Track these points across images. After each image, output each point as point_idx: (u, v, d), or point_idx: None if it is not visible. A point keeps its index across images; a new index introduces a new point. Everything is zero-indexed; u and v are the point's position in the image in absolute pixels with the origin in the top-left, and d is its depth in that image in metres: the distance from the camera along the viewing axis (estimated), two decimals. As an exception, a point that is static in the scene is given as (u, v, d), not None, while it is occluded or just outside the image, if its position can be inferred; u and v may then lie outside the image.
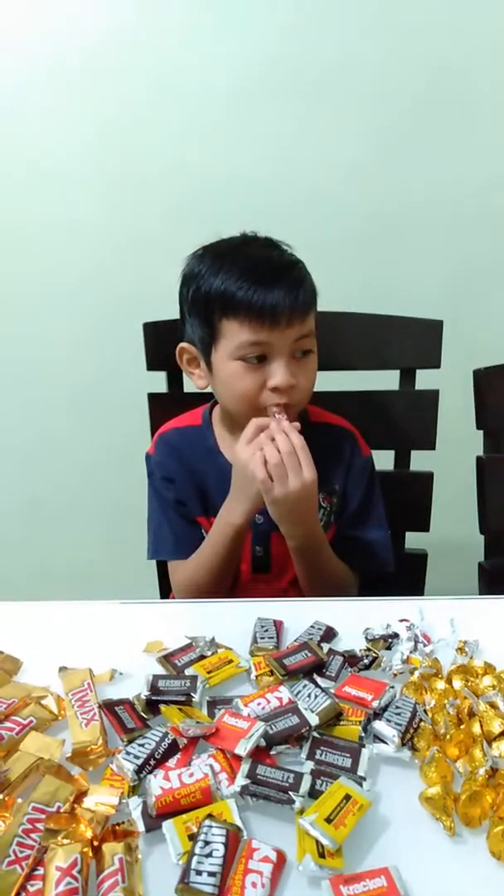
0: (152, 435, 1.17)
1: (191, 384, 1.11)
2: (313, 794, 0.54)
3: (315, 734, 0.61)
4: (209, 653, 0.74)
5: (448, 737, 0.60)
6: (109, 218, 1.59)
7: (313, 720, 0.61)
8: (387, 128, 1.54)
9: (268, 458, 0.90)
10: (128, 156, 1.56)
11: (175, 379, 1.22)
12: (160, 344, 1.17)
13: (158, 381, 1.22)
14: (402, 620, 0.78)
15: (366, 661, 0.72)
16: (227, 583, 1.04)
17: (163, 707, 0.64)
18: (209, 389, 1.06)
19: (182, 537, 1.08)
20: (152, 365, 1.20)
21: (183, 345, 1.04)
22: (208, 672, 0.70)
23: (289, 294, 0.93)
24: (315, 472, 0.91)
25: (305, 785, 0.54)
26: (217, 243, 1.02)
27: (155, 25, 1.47)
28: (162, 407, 1.20)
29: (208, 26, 1.48)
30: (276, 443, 0.90)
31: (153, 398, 1.22)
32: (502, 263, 1.64)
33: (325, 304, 1.03)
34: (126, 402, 1.38)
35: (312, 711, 0.62)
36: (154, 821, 0.53)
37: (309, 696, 0.64)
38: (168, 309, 1.10)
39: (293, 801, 0.53)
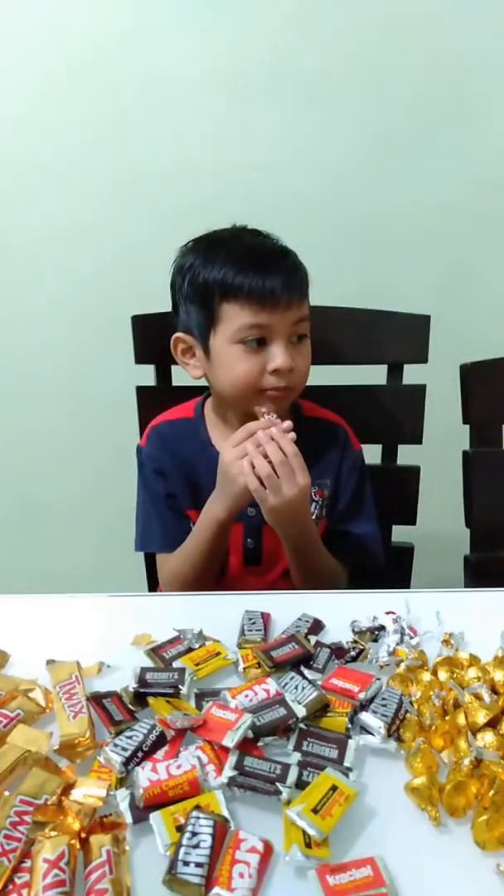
0: (141, 428, 1.17)
1: (179, 377, 1.11)
2: (300, 784, 0.55)
3: (302, 726, 0.61)
4: (197, 645, 0.74)
5: (433, 728, 0.61)
6: (98, 214, 1.58)
7: (300, 712, 0.61)
8: (377, 127, 1.54)
9: (256, 468, 0.90)
10: (121, 154, 1.54)
11: (163, 372, 1.21)
12: (149, 337, 1.17)
13: (147, 375, 1.21)
14: (388, 613, 0.79)
15: (352, 653, 0.73)
16: (211, 576, 1.04)
17: (151, 699, 0.64)
18: (203, 382, 1.06)
19: (170, 530, 1.08)
20: (141, 358, 1.19)
21: (178, 334, 1.04)
22: (196, 664, 0.70)
23: (286, 278, 0.95)
24: (308, 477, 0.92)
25: (292, 776, 0.55)
26: (208, 234, 1.03)
27: (150, 26, 1.46)
28: (150, 400, 1.20)
29: (203, 26, 1.46)
30: (267, 452, 0.90)
31: (142, 391, 1.21)
32: (489, 259, 1.64)
33: (313, 299, 1.03)
34: (114, 396, 1.38)
35: (299, 703, 0.62)
36: (141, 812, 0.53)
37: (296, 687, 0.65)
38: (157, 302, 1.10)
39: (280, 792, 0.53)
